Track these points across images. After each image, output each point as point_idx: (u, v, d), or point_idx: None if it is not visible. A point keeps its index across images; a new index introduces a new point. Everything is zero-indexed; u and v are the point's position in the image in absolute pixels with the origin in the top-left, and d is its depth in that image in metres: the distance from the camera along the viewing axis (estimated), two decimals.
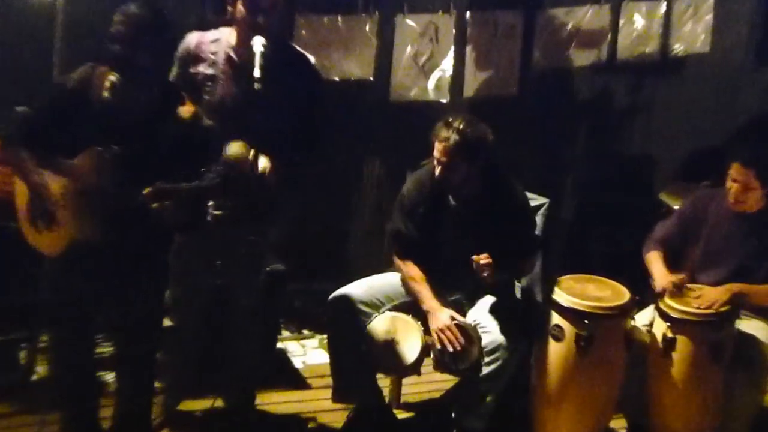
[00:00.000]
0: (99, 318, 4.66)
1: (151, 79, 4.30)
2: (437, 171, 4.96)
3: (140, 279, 4.45)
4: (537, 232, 5.45)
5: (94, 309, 4.53)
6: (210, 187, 4.16)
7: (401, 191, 5.28)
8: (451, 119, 4.94)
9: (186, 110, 4.38)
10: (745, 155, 5.19)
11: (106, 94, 4.16)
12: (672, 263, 5.45)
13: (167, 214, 4.16)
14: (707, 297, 5.07)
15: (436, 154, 4.94)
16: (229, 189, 4.18)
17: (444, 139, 4.89)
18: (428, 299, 5.08)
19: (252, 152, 4.42)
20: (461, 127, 4.88)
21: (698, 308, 5.02)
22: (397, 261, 5.27)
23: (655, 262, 5.41)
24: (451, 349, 4.93)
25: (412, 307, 5.16)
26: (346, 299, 5.14)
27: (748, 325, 5.19)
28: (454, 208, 5.15)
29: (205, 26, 5.03)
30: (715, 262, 5.36)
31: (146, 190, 4.09)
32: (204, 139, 4.39)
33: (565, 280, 5.22)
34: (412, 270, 5.19)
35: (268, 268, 5.35)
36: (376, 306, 5.17)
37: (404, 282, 5.23)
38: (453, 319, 5.00)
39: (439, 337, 4.95)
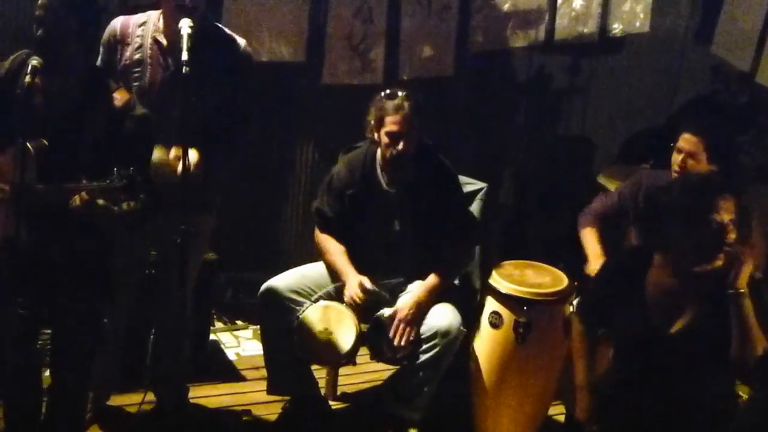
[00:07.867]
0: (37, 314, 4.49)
1: (73, 65, 4.18)
2: (401, 146, 4.87)
3: (78, 279, 4.29)
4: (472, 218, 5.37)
5: (31, 308, 4.35)
6: (120, 188, 3.97)
7: (331, 171, 5.23)
8: (389, 92, 4.93)
9: (119, 98, 4.25)
10: (695, 125, 5.13)
11: (27, 79, 4.00)
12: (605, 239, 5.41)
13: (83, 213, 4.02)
14: None
15: (392, 128, 4.86)
16: (140, 188, 4.00)
17: (397, 108, 4.84)
18: (345, 267, 5.07)
19: (173, 153, 4.40)
20: (405, 93, 4.88)
21: None
22: (317, 236, 5.23)
23: (589, 239, 5.35)
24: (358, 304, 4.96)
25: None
26: (276, 290, 5.08)
27: None
28: (388, 192, 5.09)
29: (130, 10, 4.91)
30: None
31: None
32: (138, 129, 4.25)
33: (504, 266, 5.17)
34: (330, 243, 5.16)
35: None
36: (308, 295, 5.11)
37: (323, 257, 5.19)
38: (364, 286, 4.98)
39: (354, 301, 4.96)
